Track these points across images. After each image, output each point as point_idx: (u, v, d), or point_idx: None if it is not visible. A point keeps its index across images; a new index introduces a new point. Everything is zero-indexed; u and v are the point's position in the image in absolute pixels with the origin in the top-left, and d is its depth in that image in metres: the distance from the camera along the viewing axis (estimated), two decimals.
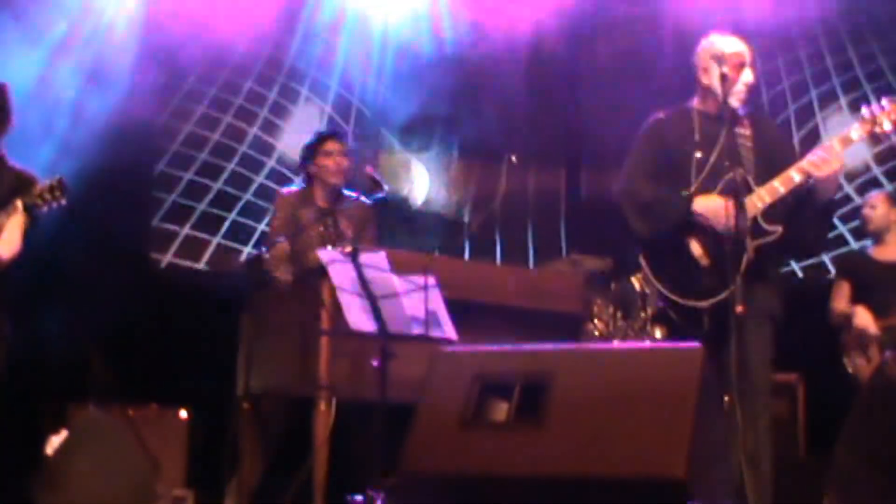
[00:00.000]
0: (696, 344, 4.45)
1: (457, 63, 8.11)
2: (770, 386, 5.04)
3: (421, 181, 8.59)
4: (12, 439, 6.01)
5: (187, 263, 7.85)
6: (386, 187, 5.76)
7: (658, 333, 7.28)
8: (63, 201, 5.20)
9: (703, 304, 4.91)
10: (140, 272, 7.60)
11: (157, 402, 6.90)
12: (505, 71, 8.23)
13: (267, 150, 8.17)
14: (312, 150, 6.29)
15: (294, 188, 6.42)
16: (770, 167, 5.00)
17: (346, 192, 6.26)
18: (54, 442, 5.74)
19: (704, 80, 5.10)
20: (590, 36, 8.46)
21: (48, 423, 6.13)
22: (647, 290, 5.47)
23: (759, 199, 4.91)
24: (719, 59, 4.98)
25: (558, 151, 8.80)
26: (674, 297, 5.02)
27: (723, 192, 4.92)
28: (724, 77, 4.93)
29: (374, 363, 4.86)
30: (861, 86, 7.96)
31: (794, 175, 4.90)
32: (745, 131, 5.09)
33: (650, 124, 5.25)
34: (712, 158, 5.00)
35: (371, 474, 4.78)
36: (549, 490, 4.22)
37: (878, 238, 6.95)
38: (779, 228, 4.92)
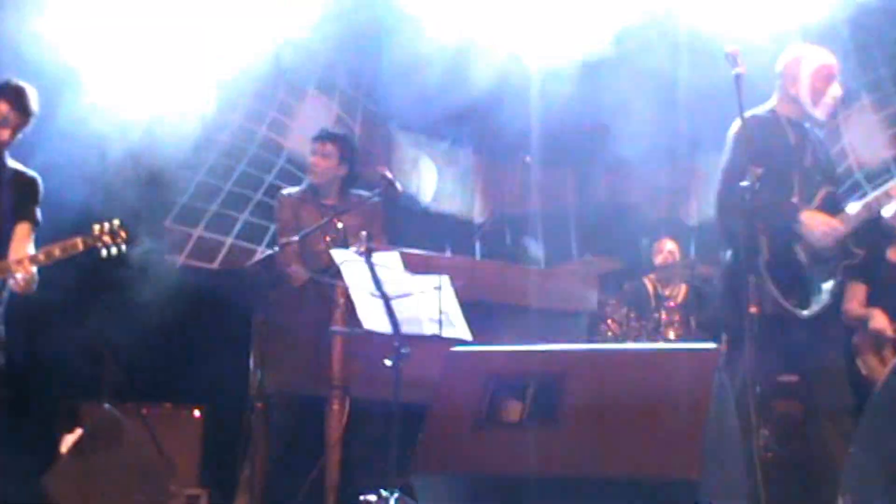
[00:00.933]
0: (710, 345, 4.45)
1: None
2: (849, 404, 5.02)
3: (429, 178, 8.59)
4: (27, 438, 6.03)
5: (201, 264, 7.86)
6: (399, 186, 5.77)
7: (672, 334, 7.29)
8: (124, 247, 5.23)
9: (804, 313, 4.91)
10: (154, 271, 7.60)
11: (170, 401, 6.92)
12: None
13: (275, 149, 8.16)
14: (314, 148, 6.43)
15: (294, 189, 6.47)
16: (818, 181, 5.05)
17: (354, 191, 6.29)
18: (69, 440, 5.77)
19: (792, 89, 5.12)
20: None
21: (63, 422, 6.16)
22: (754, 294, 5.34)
23: (847, 221, 4.94)
24: (812, 70, 5.03)
25: (570, 151, 8.79)
26: (783, 301, 4.99)
27: (820, 207, 4.96)
28: (812, 88, 5.00)
29: (388, 363, 4.86)
30: (883, 86, 7.94)
31: (881, 199, 4.93)
32: (814, 144, 5.10)
33: (741, 126, 5.05)
34: (805, 166, 5.01)
35: (384, 474, 4.78)
36: (562, 490, 4.22)
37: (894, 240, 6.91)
38: (861, 252, 4.93)
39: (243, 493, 5.97)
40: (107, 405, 6.13)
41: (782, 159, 5.05)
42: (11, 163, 5.39)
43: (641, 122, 7.95)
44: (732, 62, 4.92)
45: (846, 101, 7.86)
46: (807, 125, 5.13)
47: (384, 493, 4.71)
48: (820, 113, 5.06)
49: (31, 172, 5.43)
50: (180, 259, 7.76)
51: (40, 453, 5.91)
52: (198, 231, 7.88)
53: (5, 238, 5.30)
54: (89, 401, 6.49)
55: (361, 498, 4.87)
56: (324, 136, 6.42)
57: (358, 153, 6.52)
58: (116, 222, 5.24)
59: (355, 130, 8.24)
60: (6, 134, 5.25)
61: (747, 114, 5.05)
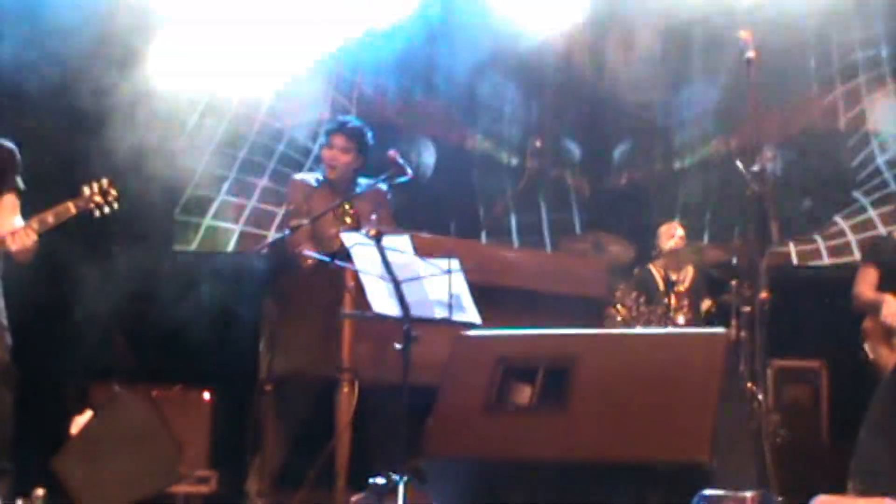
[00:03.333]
0: (719, 329, 4.46)
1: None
2: None
3: (428, 154, 8.56)
4: (38, 419, 6.04)
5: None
6: (409, 170, 5.76)
7: (681, 320, 7.28)
8: (115, 206, 5.21)
9: None
10: (164, 254, 7.62)
11: (180, 383, 6.93)
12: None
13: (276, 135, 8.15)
14: (324, 139, 6.37)
15: (308, 175, 6.44)
16: None
17: (362, 180, 6.26)
18: (79, 422, 5.78)
19: None
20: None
21: (73, 404, 6.18)
22: None
23: None
24: None
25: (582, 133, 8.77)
26: None
27: None
28: None
29: (397, 346, 4.86)
30: None
31: None
32: None
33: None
34: None
35: (394, 457, 4.79)
36: (572, 473, 4.23)
37: None
38: None
39: (253, 476, 5.98)
40: (117, 387, 6.15)
41: None
42: None
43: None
44: (744, 47, 4.93)
45: (870, 86, 7.86)
46: None
47: (394, 476, 4.71)
48: None
49: (7, 143, 5.40)
50: (193, 246, 7.78)
51: (51, 435, 5.92)
52: (206, 221, 7.89)
53: None
54: (100, 383, 6.50)
55: (371, 481, 4.87)
56: (342, 130, 6.34)
57: (371, 144, 6.44)
58: (105, 181, 5.21)
59: (351, 111, 8.21)
60: None
61: None
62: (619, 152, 8.82)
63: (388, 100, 8.36)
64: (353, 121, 6.57)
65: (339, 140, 6.26)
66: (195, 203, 7.88)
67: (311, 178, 6.38)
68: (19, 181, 5.38)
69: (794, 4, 7.13)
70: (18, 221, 5.24)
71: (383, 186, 6.10)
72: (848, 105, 8.00)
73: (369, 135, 6.39)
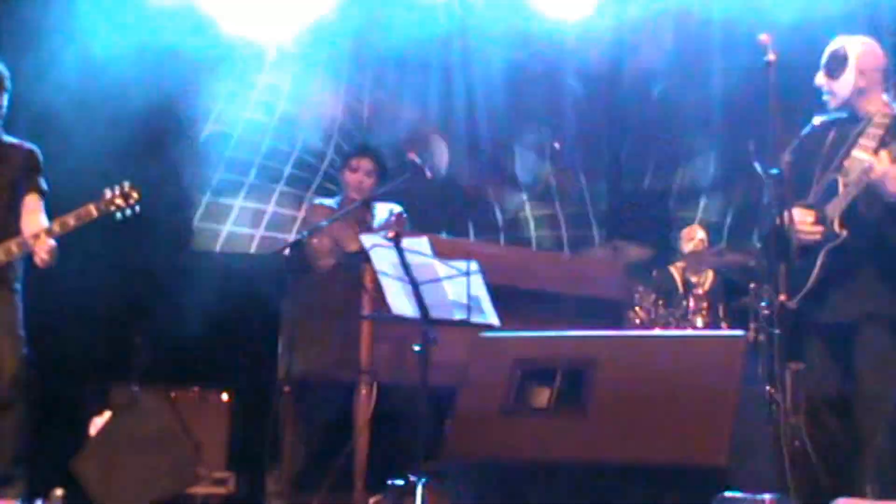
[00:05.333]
0: (738, 332, 4.44)
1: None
2: (884, 389, 4.93)
3: (441, 154, 8.57)
4: (57, 420, 6.07)
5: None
6: (428, 172, 5.77)
7: (700, 322, 7.27)
8: (137, 208, 5.23)
9: (791, 304, 4.94)
10: (183, 255, 7.64)
11: (199, 384, 6.94)
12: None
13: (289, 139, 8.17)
14: (343, 162, 6.43)
15: (328, 201, 6.48)
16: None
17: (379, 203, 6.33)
18: (98, 423, 5.80)
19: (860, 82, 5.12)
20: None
21: (92, 405, 6.20)
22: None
23: (838, 203, 4.94)
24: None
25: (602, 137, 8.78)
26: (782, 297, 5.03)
27: (819, 199, 4.96)
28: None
29: (416, 348, 4.86)
30: None
31: (861, 177, 4.91)
32: (876, 131, 5.08)
33: (803, 131, 5.26)
34: (833, 164, 5.04)
35: (412, 458, 4.79)
36: (590, 475, 4.22)
37: None
38: (844, 232, 4.93)
39: (271, 478, 6.00)
40: (136, 388, 6.16)
41: (812, 165, 5.11)
42: (7, 138, 5.41)
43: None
44: (764, 50, 4.92)
45: None
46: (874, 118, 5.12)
47: (412, 478, 4.72)
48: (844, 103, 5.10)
49: (29, 144, 5.43)
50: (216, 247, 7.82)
51: (70, 436, 5.94)
52: (226, 227, 7.91)
53: (15, 212, 5.33)
54: (118, 384, 6.52)
55: (389, 483, 4.88)
56: (367, 153, 6.39)
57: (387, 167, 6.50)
58: (127, 184, 5.23)
59: (363, 115, 8.22)
60: None
61: (816, 119, 5.20)
62: (639, 156, 8.82)
63: (403, 102, 8.38)
64: (370, 144, 6.66)
65: (365, 164, 6.30)
66: (214, 209, 7.91)
67: (330, 202, 6.43)
68: (42, 182, 5.41)
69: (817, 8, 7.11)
70: (43, 221, 5.28)
71: (398, 208, 6.17)
72: None
73: (384, 156, 6.49)
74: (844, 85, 5.10)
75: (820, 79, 5.15)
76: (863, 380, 4.91)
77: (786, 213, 4.81)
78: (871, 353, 4.94)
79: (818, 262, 4.85)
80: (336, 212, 6.21)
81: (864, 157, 4.89)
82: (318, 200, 6.61)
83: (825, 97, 5.14)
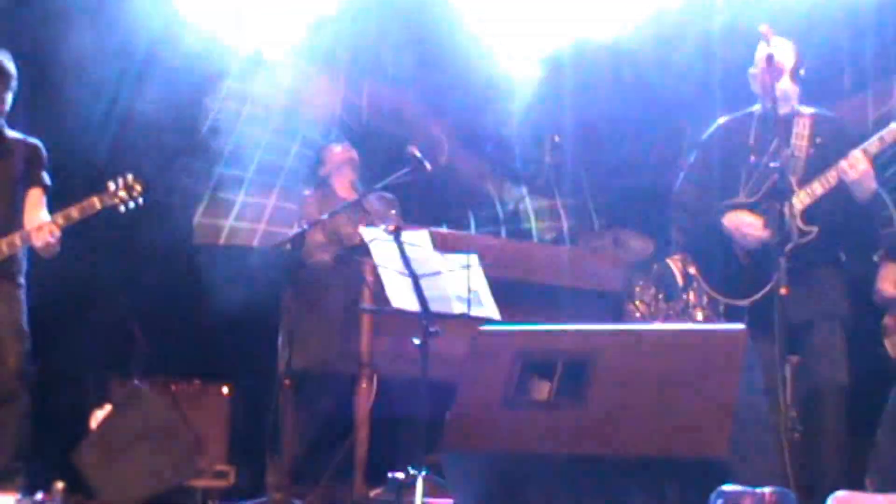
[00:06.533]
0: (739, 326, 4.45)
1: None
2: (835, 384, 5.08)
3: (440, 148, 8.56)
4: (58, 413, 6.08)
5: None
6: (428, 165, 5.77)
7: (700, 316, 7.26)
8: (141, 201, 5.24)
9: (744, 302, 4.98)
10: (184, 248, 7.64)
11: (199, 378, 6.95)
12: None
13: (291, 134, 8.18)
14: (324, 155, 6.62)
15: (312, 190, 6.57)
16: (824, 168, 5.05)
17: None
18: (98, 416, 5.81)
19: (752, 84, 5.21)
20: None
21: (92, 398, 6.20)
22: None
23: (799, 200, 5.00)
24: (760, 62, 5.10)
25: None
26: (717, 296, 5.12)
27: (764, 198, 5.00)
28: (764, 79, 5.06)
29: (416, 341, 4.87)
30: None
31: (831, 176, 4.99)
32: (803, 131, 5.12)
33: (711, 131, 5.37)
34: (763, 162, 5.06)
35: (412, 451, 4.80)
36: (590, 468, 4.23)
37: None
38: (814, 228, 4.97)
39: (271, 470, 6.00)
40: (136, 381, 6.17)
41: (735, 159, 5.20)
42: (11, 133, 5.43)
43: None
44: (765, 42, 4.92)
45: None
46: (797, 116, 5.16)
47: (412, 470, 4.72)
48: (780, 104, 5.08)
49: (33, 139, 5.46)
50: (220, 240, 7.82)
51: (70, 428, 5.95)
52: (228, 222, 7.91)
53: (18, 206, 5.35)
54: (119, 377, 6.53)
55: (389, 475, 4.88)
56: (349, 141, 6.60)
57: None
58: (130, 177, 5.25)
59: (362, 106, 8.22)
60: None
61: (721, 119, 5.33)
62: (638, 148, 8.81)
63: (402, 95, 8.38)
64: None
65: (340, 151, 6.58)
66: (216, 204, 7.91)
67: (315, 191, 6.52)
68: (45, 177, 5.43)
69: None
70: (45, 216, 5.29)
71: (388, 196, 6.22)
72: (877, 103, 7.96)
73: None
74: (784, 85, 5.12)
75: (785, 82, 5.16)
76: (816, 372, 4.99)
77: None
78: (823, 346, 5.05)
79: (781, 262, 4.83)
80: (326, 197, 6.29)
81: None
82: (307, 192, 6.66)
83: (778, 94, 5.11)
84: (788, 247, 4.90)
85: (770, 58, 5.00)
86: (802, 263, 4.93)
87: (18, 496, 5.09)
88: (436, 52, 8.01)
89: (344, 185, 6.57)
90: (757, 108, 5.27)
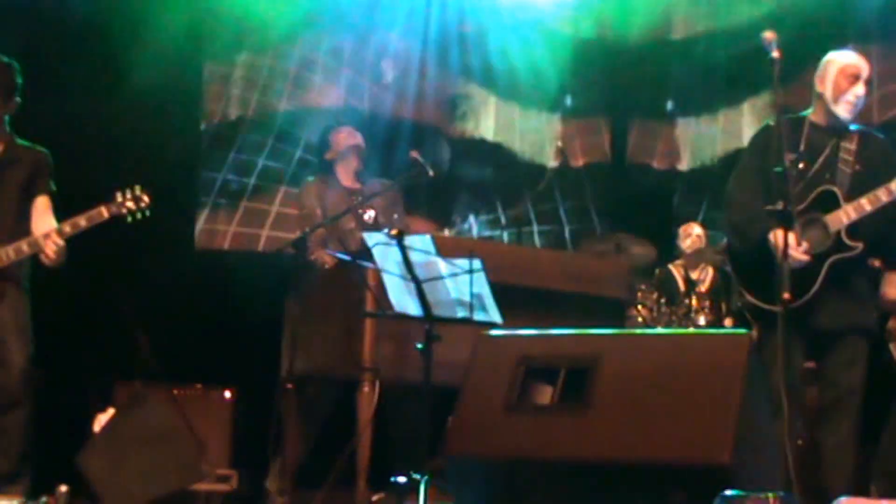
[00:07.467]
0: (742, 330, 4.44)
1: None
2: (854, 398, 5.11)
3: (444, 150, 8.58)
4: (61, 417, 6.08)
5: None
6: (430, 171, 5.78)
7: (702, 320, 7.27)
8: (148, 212, 5.27)
9: (778, 308, 4.98)
10: (186, 253, 7.65)
11: (202, 382, 6.95)
12: None
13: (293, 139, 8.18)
14: (331, 138, 6.53)
15: (315, 177, 6.54)
16: (869, 184, 5.08)
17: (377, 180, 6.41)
18: (102, 419, 5.81)
19: (820, 88, 5.23)
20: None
21: (96, 402, 6.21)
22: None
23: (846, 214, 5.01)
24: (837, 69, 5.17)
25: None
26: (754, 300, 5.11)
27: (809, 206, 5.05)
28: (836, 86, 5.14)
29: (419, 346, 4.86)
30: None
31: (881, 194, 5.00)
32: (850, 146, 5.17)
33: (759, 132, 5.36)
34: (812, 171, 5.08)
35: (414, 456, 4.79)
36: (593, 474, 4.22)
37: None
38: (860, 244, 5.00)
39: (274, 475, 6.00)
40: (139, 385, 6.17)
41: (780, 163, 5.15)
42: (19, 141, 5.47)
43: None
44: (768, 47, 4.92)
45: None
46: (846, 131, 5.19)
47: (415, 475, 4.72)
48: (842, 111, 5.18)
49: (40, 148, 5.52)
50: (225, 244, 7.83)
51: (74, 432, 5.95)
52: (231, 228, 7.92)
53: (26, 215, 5.39)
54: (122, 381, 6.53)
55: (392, 480, 4.88)
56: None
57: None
58: (138, 188, 5.28)
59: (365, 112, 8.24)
60: None
61: (771, 121, 5.20)
62: (640, 151, 8.83)
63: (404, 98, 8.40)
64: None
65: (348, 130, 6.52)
66: (219, 208, 7.92)
67: (318, 177, 6.48)
68: (52, 184, 5.47)
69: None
70: (52, 223, 5.33)
71: (389, 184, 6.22)
72: (883, 108, 7.97)
73: None
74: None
75: (860, 89, 5.20)
76: (841, 382, 5.01)
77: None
78: (853, 357, 5.05)
79: (822, 271, 4.91)
80: (327, 188, 6.29)
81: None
82: (308, 178, 6.63)
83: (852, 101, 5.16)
84: (831, 259, 4.95)
85: (861, 70, 5.13)
86: (840, 273, 4.97)
87: (23, 500, 5.10)
88: None
89: (348, 174, 6.49)
90: (810, 112, 5.30)
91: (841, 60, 5.23)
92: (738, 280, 5.22)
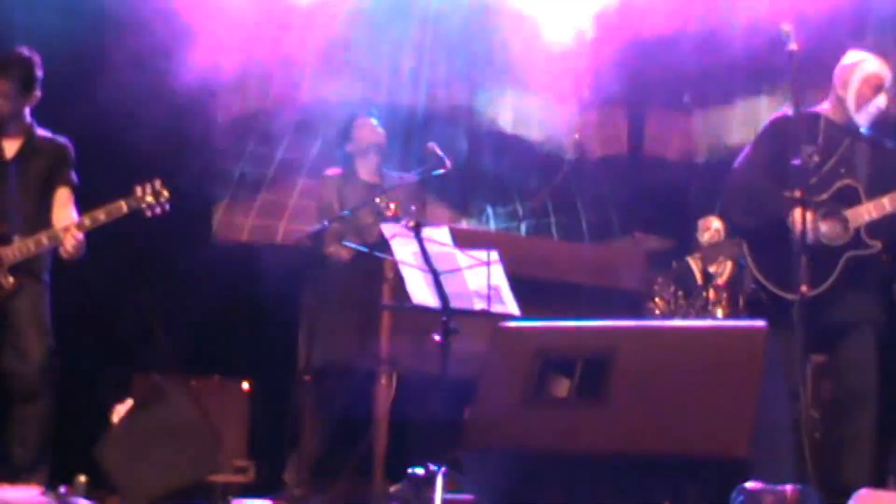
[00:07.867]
0: (760, 323, 4.43)
1: None
2: (873, 389, 5.15)
3: (461, 142, 8.56)
4: (79, 408, 6.10)
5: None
6: (448, 163, 5.78)
7: (720, 313, 7.25)
8: (167, 207, 5.28)
9: (792, 296, 4.98)
10: (205, 245, 7.66)
11: (219, 373, 6.97)
12: None
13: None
14: (352, 129, 6.50)
15: (336, 169, 6.51)
16: (883, 185, 5.13)
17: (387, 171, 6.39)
18: (120, 410, 5.83)
19: (841, 91, 5.25)
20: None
21: (114, 393, 6.23)
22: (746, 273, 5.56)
23: (867, 212, 5.07)
24: (861, 78, 5.19)
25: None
26: (768, 285, 5.16)
27: (831, 199, 5.08)
28: (859, 94, 5.18)
29: (436, 338, 4.86)
30: None
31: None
32: (864, 146, 5.22)
33: (774, 120, 5.37)
34: (829, 164, 5.08)
35: (431, 448, 4.80)
36: (610, 466, 4.22)
37: None
38: (878, 244, 5.03)
39: (291, 466, 6.02)
40: (157, 376, 6.18)
41: (796, 154, 5.15)
42: (40, 132, 5.47)
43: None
44: (786, 39, 4.91)
45: None
46: (861, 131, 5.24)
47: (432, 467, 4.72)
48: (862, 119, 5.23)
49: (61, 139, 5.51)
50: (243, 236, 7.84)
51: (92, 423, 5.97)
52: (250, 220, 7.92)
53: (47, 206, 5.39)
54: (140, 372, 6.55)
55: (409, 472, 4.88)
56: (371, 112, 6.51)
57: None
58: (158, 182, 5.29)
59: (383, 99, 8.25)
60: (7, 107, 5.32)
61: (787, 111, 5.23)
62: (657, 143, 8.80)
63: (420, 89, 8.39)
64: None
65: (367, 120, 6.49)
66: (237, 200, 7.93)
67: (338, 170, 6.48)
68: (73, 176, 5.47)
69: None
70: (73, 215, 5.34)
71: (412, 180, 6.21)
72: None
73: None
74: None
75: (882, 100, 5.22)
76: (856, 375, 5.02)
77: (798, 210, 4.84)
78: (866, 350, 5.06)
79: (839, 265, 4.93)
80: (347, 180, 6.30)
81: None
82: (328, 171, 6.62)
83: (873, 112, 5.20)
84: (848, 255, 4.97)
85: (885, 80, 5.20)
86: (854, 269, 4.98)
87: (42, 489, 5.13)
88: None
89: (367, 169, 6.47)
90: (826, 108, 5.31)
91: (866, 68, 5.23)
92: (754, 265, 5.22)
